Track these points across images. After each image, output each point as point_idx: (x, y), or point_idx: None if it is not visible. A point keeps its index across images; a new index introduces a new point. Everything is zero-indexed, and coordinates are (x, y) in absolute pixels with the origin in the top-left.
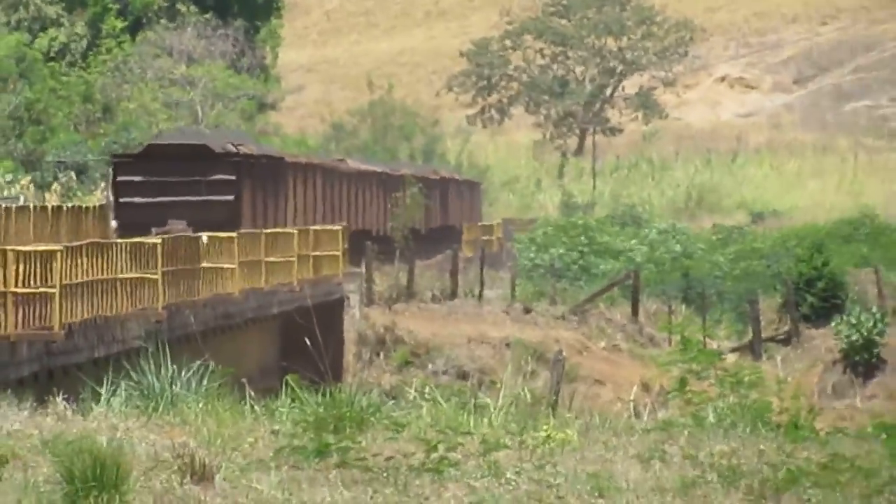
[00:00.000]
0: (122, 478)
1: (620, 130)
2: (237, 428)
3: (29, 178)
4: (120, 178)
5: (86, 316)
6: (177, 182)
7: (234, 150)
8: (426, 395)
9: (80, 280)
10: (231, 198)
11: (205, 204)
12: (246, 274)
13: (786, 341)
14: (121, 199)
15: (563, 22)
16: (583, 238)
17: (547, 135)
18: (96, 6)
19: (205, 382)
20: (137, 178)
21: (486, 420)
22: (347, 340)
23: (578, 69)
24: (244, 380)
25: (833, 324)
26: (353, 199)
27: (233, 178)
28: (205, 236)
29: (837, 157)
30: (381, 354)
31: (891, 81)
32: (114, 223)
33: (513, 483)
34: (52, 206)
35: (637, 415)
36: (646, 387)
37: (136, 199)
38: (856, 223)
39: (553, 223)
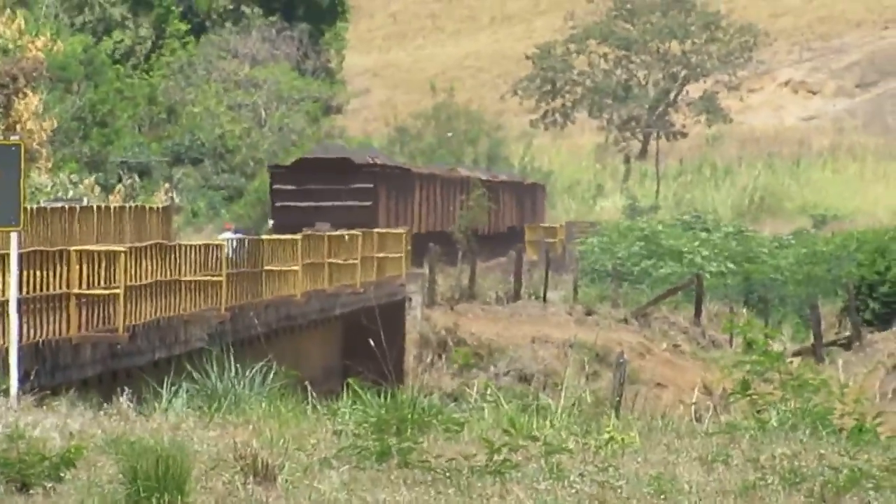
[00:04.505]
0: (184, 478)
1: (684, 134)
2: (299, 428)
3: (93, 179)
4: (275, 186)
5: (149, 318)
6: (323, 189)
7: (371, 162)
8: (488, 397)
9: (144, 282)
10: (369, 203)
11: (347, 208)
12: (309, 276)
13: (847, 345)
14: (276, 204)
15: (628, 26)
16: (640, 242)
17: (610, 139)
18: (160, 7)
19: (267, 383)
20: (290, 187)
21: (548, 422)
22: (409, 342)
23: (642, 73)
24: (307, 381)
25: (895, 328)
26: (463, 203)
27: (370, 186)
28: (346, 234)
29: None
30: (443, 356)
31: None
32: (270, 223)
33: (575, 485)
34: (116, 207)
35: (699, 418)
36: (707, 390)
37: (289, 204)
38: None
39: (616, 227)
